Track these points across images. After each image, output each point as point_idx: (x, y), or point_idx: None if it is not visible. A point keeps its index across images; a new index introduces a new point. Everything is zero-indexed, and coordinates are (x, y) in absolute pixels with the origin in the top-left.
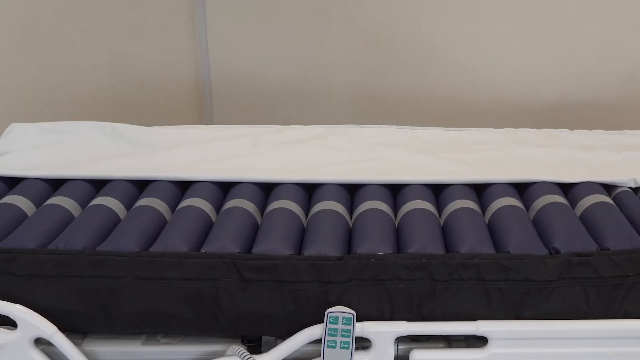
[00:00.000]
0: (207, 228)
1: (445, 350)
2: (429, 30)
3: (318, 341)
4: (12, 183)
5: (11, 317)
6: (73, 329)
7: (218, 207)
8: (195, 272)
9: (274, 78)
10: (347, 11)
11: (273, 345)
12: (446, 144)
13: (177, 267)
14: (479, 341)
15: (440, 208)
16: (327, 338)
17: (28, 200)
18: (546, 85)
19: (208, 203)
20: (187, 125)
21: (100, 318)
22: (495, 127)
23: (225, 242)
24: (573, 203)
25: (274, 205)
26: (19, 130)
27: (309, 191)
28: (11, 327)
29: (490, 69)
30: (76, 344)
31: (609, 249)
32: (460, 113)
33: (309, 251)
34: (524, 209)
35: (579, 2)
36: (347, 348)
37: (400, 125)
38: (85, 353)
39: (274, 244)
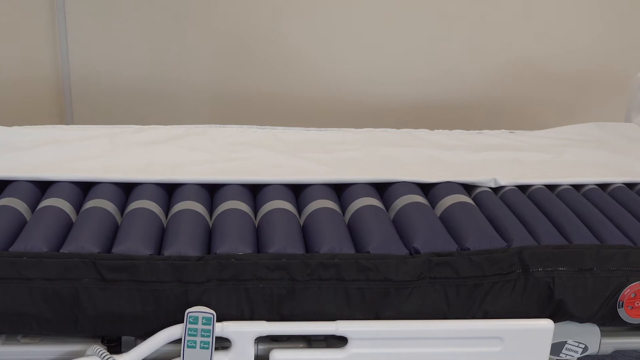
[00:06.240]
0: (67, 228)
1: (305, 350)
2: (287, 30)
3: (178, 341)
4: None
5: None
6: None
7: (78, 207)
8: (55, 272)
9: (134, 78)
10: (206, 12)
11: (133, 345)
12: (306, 144)
13: (36, 267)
14: (338, 341)
15: (300, 208)
16: (187, 338)
17: None
18: (406, 86)
19: (68, 203)
20: (47, 125)
21: None
22: (356, 127)
23: (85, 242)
24: (433, 203)
25: (134, 205)
26: None
27: (169, 191)
28: None
29: (350, 69)
30: None
31: (469, 249)
32: (320, 113)
33: (169, 251)
34: (384, 209)
35: (439, 2)
36: (207, 348)
37: (260, 125)
38: None
39: (134, 244)
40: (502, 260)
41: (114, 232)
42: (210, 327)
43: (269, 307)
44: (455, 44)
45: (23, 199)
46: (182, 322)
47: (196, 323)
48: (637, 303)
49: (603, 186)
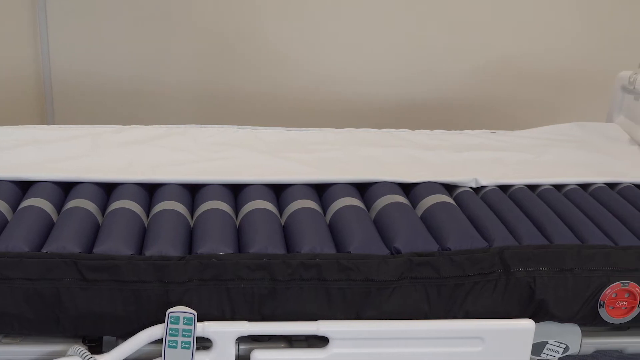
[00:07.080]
0: (48, 228)
1: (286, 350)
2: (270, 30)
3: (159, 341)
4: None
5: None
6: None
7: (59, 207)
8: (36, 272)
9: (115, 78)
10: (188, 12)
11: (114, 345)
12: (287, 144)
13: (18, 267)
14: (320, 341)
15: (281, 208)
16: (168, 338)
17: None
18: (387, 86)
19: (49, 203)
20: (29, 125)
21: None
22: (337, 127)
23: (66, 242)
24: (414, 203)
25: (115, 205)
26: None
27: (150, 191)
28: None
29: (332, 69)
30: None
31: (450, 249)
32: (301, 113)
33: (150, 251)
34: (365, 209)
35: (420, 3)
36: (188, 348)
37: (242, 125)
38: None
39: (115, 244)
40: (483, 260)
41: (95, 232)
42: (192, 327)
43: (250, 307)
44: (437, 44)
45: (4, 199)
46: (164, 322)
47: (177, 323)
48: (618, 303)
49: (584, 186)
